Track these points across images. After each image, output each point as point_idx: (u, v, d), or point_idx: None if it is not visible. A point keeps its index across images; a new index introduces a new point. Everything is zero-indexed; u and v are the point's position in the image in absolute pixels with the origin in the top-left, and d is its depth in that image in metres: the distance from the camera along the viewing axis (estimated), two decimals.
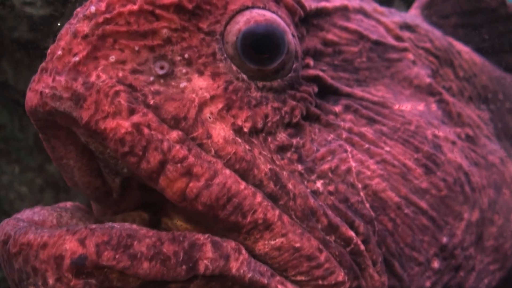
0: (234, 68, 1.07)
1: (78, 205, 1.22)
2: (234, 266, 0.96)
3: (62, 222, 1.10)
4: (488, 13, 1.87)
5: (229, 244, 0.97)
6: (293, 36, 1.13)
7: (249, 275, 0.97)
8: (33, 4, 2.09)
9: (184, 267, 0.93)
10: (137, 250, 0.91)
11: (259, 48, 1.07)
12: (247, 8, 1.09)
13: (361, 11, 1.39)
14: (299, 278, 1.03)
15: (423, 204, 1.20)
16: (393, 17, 1.50)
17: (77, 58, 1.00)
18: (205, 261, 0.94)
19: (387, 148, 1.21)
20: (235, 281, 0.97)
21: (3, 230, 1.01)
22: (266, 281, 0.99)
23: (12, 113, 2.31)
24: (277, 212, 1.01)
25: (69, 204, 1.22)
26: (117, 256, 0.90)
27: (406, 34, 1.47)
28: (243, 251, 0.98)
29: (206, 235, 0.97)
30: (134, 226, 0.95)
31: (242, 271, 0.97)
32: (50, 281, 0.91)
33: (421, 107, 1.34)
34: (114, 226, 0.94)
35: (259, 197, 1.00)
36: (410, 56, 1.40)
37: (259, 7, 1.10)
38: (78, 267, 0.89)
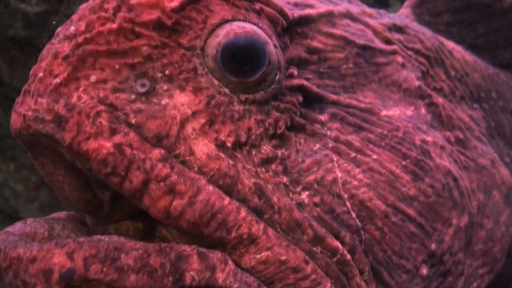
0: (216, 82, 1.07)
1: (72, 215, 1.23)
2: (220, 277, 0.97)
3: (53, 234, 1.11)
4: (482, 9, 1.84)
5: (215, 255, 0.98)
6: (275, 47, 1.12)
7: (235, 285, 0.98)
8: (28, 1, 2.08)
9: (170, 278, 0.94)
10: (124, 263, 0.93)
11: (240, 60, 1.06)
12: (227, 21, 1.08)
13: (347, 16, 1.36)
14: None
15: (411, 212, 1.20)
16: (382, 19, 1.48)
17: (58, 80, 1.00)
18: (191, 272, 0.95)
19: (374, 156, 1.20)
20: None
21: None
22: None
23: (7, 110, 2.30)
24: (261, 226, 1.01)
25: (63, 214, 1.23)
26: (104, 269, 0.91)
27: (395, 36, 1.44)
28: (230, 262, 0.99)
29: (193, 246, 0.98)
30: (122, 238, 0.97)
31: (228, 282, 0.97)
32: None
33: (409, 111, 1.33)
34: (101, 239, 0.95)
35: (243, 212, 1.00)
36: (399, 59, 1.38)
37: (239, 20, 1.09)
38: (67, 281, 0.91)
